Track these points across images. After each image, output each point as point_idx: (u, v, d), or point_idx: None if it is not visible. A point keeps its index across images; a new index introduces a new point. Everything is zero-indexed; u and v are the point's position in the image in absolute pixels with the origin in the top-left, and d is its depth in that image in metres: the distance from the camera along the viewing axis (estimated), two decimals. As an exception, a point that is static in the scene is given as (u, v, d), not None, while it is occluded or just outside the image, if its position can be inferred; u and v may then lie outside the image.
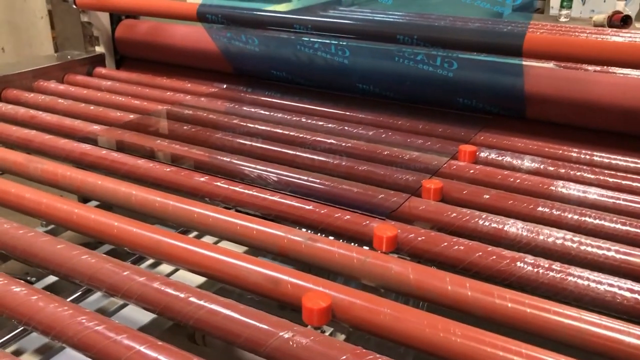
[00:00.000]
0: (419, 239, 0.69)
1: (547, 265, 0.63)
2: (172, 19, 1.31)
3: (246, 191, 0.81)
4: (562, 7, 2.94)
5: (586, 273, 0.62)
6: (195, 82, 1.35)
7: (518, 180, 0.84)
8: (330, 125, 1.07)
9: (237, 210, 0.80)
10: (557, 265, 0.63)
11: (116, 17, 1.47)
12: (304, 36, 1.15)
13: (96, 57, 1.45)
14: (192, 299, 0.58)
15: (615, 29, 2.13)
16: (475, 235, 0.71)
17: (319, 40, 1.15)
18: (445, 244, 0.67)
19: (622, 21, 2.28)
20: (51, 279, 0.89)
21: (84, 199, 1.04)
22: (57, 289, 0.85)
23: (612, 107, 0.96)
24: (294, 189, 0.83)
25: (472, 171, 0.87)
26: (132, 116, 1.12)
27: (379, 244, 0.67)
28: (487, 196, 0.79)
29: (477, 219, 0.73)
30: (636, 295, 0.58)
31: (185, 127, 1.07)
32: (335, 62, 1.17)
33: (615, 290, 0.59)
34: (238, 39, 1.26)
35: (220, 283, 0.67)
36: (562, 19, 2.89)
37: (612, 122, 0.98)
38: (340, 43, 1.14)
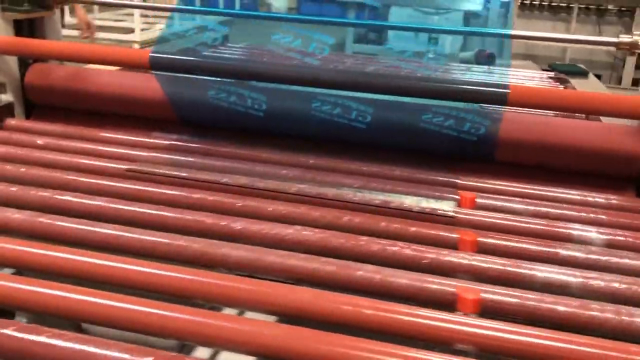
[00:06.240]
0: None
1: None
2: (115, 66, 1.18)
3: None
4: None
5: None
6: (121, 132, 1.22)
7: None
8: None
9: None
10: None
11: (24, 61, 1.28)
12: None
13: (4, 106, 1.24)
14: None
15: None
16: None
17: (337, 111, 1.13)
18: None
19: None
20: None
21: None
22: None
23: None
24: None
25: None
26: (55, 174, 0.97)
27: (465, 306, 0.66)
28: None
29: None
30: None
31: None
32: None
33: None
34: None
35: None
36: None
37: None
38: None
